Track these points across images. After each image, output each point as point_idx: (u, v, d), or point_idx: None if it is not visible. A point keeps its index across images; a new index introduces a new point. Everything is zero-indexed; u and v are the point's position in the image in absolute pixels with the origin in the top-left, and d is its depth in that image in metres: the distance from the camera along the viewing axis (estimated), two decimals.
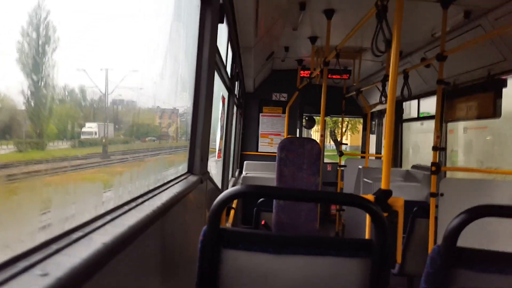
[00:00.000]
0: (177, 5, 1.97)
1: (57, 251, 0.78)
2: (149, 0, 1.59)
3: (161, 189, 1.64)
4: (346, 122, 19.71)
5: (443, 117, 4.86)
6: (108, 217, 1.07)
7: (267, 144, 8.59)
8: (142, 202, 1.34)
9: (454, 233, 1.20)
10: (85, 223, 0.98)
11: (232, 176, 6.87)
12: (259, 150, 8.57)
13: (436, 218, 3.54)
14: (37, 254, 0.75)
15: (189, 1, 2.17)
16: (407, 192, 4.94)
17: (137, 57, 1.46)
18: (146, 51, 1.57)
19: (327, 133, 22.06)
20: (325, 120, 5.01)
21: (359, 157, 8.27)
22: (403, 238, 3.74)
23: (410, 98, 5.62)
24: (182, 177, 2.08)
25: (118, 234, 0.95)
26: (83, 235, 0.90)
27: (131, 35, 1.37)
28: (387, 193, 2.49)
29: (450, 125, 5.48)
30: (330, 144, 26.60)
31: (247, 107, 8.57)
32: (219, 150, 4.71)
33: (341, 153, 7.13)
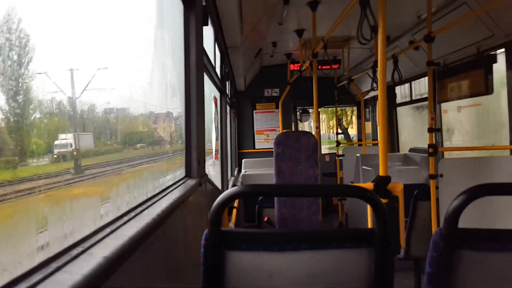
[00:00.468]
0: (159, 10, 1.96)
1: (58, 269, 0.78)
2: (131, 7, 1.58)
3: (160, 195, 1.63)
4: (350, 110, 19.58)
5: (436, 98, 4.86)
6: (108, 230, 1.07)
7: (264, 141, 8.60)
8: (142, 211, 1.33)
9: (455, 214, 1.20)
10: (84, 237, 0.97)
11: (232, 175, 6.87)
12: (256, 147, 8.58)
13: (437, 200, 3.55)
14: (37, 274, 0.74)
15: (171, 6, 2.16)
16: (406, 176, 4.95)
17: (116, 58, 1.43)
18: (128, 54, 1.56)
19: (334, 123, 21.72)
20: (318, 112, 5.01)
21: (357, 145, 8.30)
22: (406, 222, 3.75)
23: (401, 82, 5.62)
24: (181, 182, 2.07)
25: (119, 246, 0.94)
26: (83, 250, 0.89)
27: (112, 40, 1.36)
28: (386, 179, 2.49)
29: (444, 105, 5.49)
30: (333, 134, 26.26)
31: (240, 105, 8.57)
32: (216, 151, 4.71)
33: (338, 143, 7.15)
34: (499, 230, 1.22)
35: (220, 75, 4.49)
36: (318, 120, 5.00)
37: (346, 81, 7.04)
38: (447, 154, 5.33)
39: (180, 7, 2.28)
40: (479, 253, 1.21)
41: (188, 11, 2.32)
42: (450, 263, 1.22)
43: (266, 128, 8.61)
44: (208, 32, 3.37)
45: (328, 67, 6.54)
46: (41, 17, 0.92)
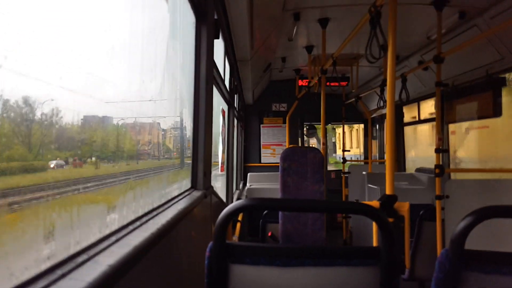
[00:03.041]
0: (172, 23, 1.98)
1: (62, 276, 0.78)
2: (145, 19, 1.61)
3: (165, 206, 1.64)
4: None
5: (443, 119, 4.85)
6: (113, 238, 1.07)
7: (270, 155, 8.59)
8: (147, 221, 1.33)
9: (461, 235, 1.19)
10: (90, 245, 0.97)
11: (237, 188, 6.86)
12: (262, 161, 8.57)
13: (443, 221, 3.51)
14: (42, 280, 0.74)
15: (184, 18, 2.19)
16: (412, 195, 4.91)
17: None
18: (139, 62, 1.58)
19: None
20: (326, 128, 5.01)
21: (363, 163, 8.26)
22: (411, 242, 3.71)
23: (409, 101, 5.62)
24: (186, 193, 2.07)
25: (123, 254, 0.95)
26: (88, 258, 0.89)
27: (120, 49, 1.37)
28: (392, 198, 2.47)
29: (451, 127, 5.47)
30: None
31: (248, 119, 8.59)
32: (222, 163, 4.71)
33: (344, 160, 7.12)
34: (506, 253, 1.21)
35: (229, 87, 4.52)
36: (325, 136, 4.99)
37: (354, 99, 7.06)
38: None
39: (192, 20, 2.31)
40: (485, 275, 1.19)
41: (200, 24, 2.35)
42: (455, 284, 1.20)
43: (273, 142, 8.61)
44: (218, 45, 3.40)
45: (337, 84, 6.55)
46: (52, 20, 0.93)
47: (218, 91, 3.62)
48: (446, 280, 1.21)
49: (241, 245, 1.24)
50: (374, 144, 8.71)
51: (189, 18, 2.27)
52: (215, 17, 2.60)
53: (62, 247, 0.89)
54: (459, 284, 1.20)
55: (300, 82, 7.29)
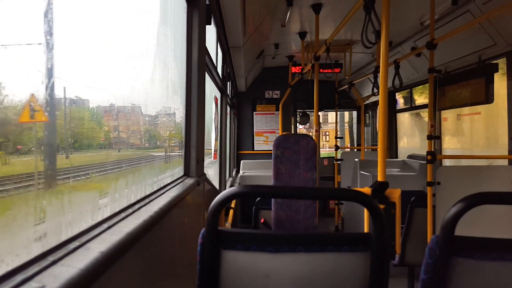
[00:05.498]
0: (163, 8, 1.96)
1: (54, 262, 0.77)
2: (135, 4, 1.58)
3: (157, 193, 1.63)
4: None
5: (436, 105, 4.87)
6: (105, 225, 1.06)
7: (263, 142, 8.60)
8: (139, 208, 1.33)
9: (451, 222, 1.20)
10: (82, 232, 0.97)
11: (230, 176, 6.87)
12: (255, 149, 8.58)
13: (434, 207, 3.55)
14: (34, 266, 0.74)
15: (175, 3, 2.16)
16: (404, 182, 4.95)
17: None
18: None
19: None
20: (319, 115, 5.01)
21: (355, 149, 8.29)
22: (402, 228, 3.75)
23: (402, 88, 5.63)
24: (179, 181, 2.07)
25: (115, 241, 0.94)
26: (80, 244, 0.89)
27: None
28: (384, 184, 2.49)
29: (443, 113, 5.49)
30: None
31: (241, 106, 8.57)
32: (215, 151, 4.71)
33: (337, 147, 7.15)
34: (495, 239, 1.22)
35: (222, 75, 4.50)
36: (318, 124, 4.99)
37: (347, 85, 7.05)
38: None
39: (183, 5, 2.28)
40: (474, 261, 1.21)
41: (192, 9, 2.32)
42: (445, 270, 1.22)
43: (266, 130, 8.61)
44: (210, 32, 3.37)
45: (330, 70, 6.55)
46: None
47: (211, 78, 3.60)
48: (435, 265, 1.22)
49: (233, 231, 1.24)
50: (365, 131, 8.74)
51: (180, 2, 2.24)
52: (207, 2, 2.57)
53: None
54: (449, 270, 1.21)
55: (293, 69, 7.27)
